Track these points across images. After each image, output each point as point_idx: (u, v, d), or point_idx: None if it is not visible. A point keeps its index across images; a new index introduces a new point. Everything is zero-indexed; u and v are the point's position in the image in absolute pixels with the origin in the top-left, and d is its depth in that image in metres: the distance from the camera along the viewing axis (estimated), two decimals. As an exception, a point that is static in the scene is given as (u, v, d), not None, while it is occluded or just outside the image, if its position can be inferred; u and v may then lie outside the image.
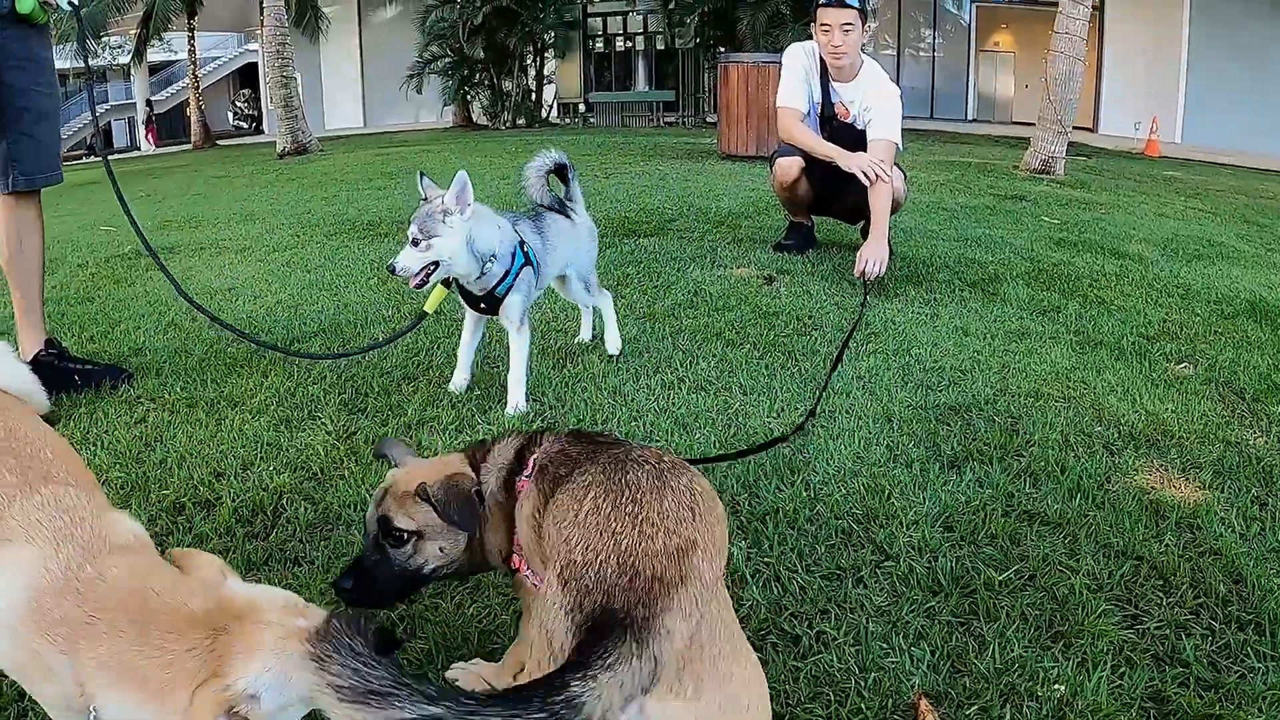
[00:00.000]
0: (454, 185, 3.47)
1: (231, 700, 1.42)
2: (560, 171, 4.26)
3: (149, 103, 46.12)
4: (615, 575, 1.47)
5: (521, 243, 3.77)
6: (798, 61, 6.04)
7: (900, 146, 5.86)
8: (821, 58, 5.91)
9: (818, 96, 6.01)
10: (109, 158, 5.01)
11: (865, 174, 5.53)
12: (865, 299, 5.05)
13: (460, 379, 3.93)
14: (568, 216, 4.22)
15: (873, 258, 5.32)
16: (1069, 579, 2.48)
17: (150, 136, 45.41)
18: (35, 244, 4.13)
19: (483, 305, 3.81)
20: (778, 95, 6.23)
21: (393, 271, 3.54)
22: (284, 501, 2.98)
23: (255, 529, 2.85)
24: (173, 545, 2.59)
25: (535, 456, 1.91)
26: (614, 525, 1.56)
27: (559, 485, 1.76)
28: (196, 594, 1.53)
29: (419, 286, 3.60)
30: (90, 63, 5.71)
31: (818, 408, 3.52)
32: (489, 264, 3.62)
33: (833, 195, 6.09)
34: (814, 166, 5.99)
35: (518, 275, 3.72)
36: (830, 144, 5.83)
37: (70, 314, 5.44)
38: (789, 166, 6.12)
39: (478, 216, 3.57)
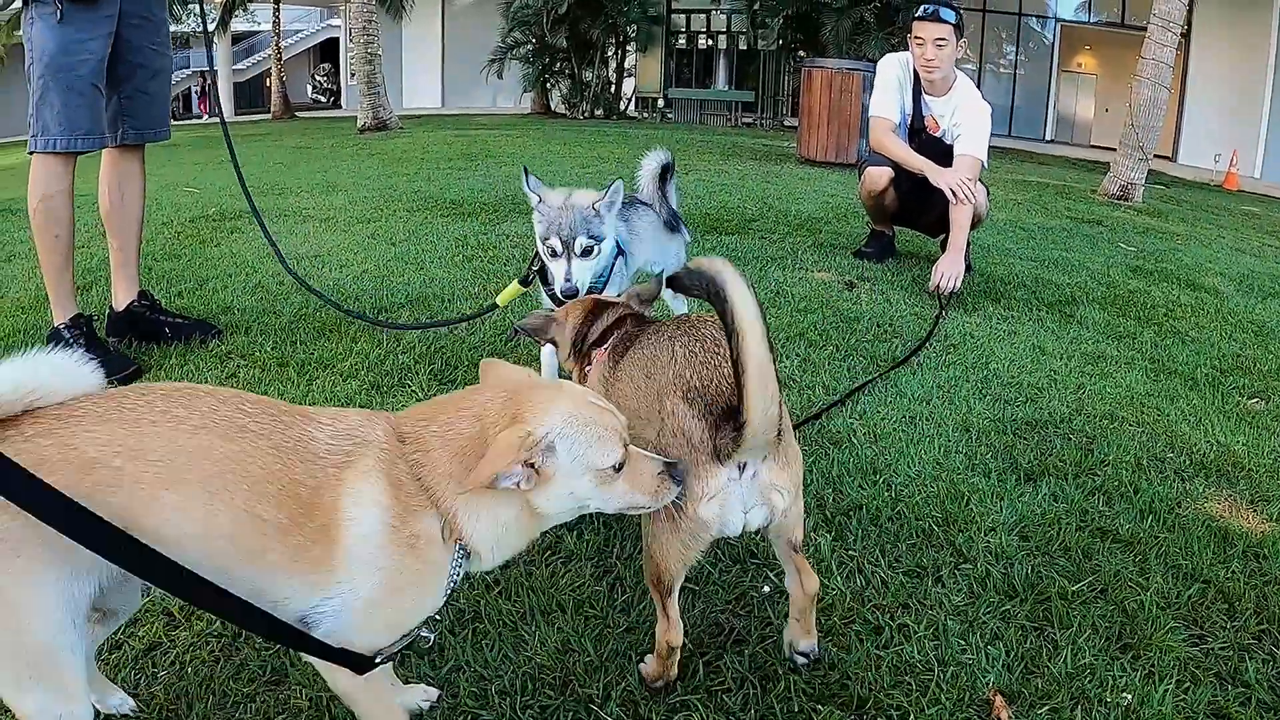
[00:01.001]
0: (611, 194, 3.28)
1: (530, 444, 1.60)
2: (663, 171, 4.14)
3: (202, 74, 46.44)
4: (723, 387, 1.94)
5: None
6: (891, 72, 6.10)
7: (985, 164, 5.91)
8: (915, 70, 5.96)
9: (909, 108, 6.07)
10: (225, 122, 5.16)
11: (954, 191, 5.60)
12: (941, 313, 5.16)
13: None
14: (662, 218, 4.14)
15: (948, 273, 5.43)
16: (1138, 595, 2.55)
17: (203, 106, 45.93)
18: (137, 197, 4.28)
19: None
20: (871, 104, 6.31)
21: (567, 296, 3.16)
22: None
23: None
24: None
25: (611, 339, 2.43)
26: (711, 360, 2.01)
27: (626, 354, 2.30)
28: (487, 392, 1.75)
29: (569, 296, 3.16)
30: (181, 29, 5.78)
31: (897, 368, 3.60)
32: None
33: (918, 207, 6.15)
34: (901, 178, 6.06)
35: (611, 268, 3.45)
36: (920, 157, 5.89)
37: (157, 269, 5.60)
38: (878, 176, 6.18)
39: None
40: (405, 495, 1.62)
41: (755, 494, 1.92)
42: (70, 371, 1.58)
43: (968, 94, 5.95)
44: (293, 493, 1.56)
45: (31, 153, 3.82)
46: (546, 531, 2.52)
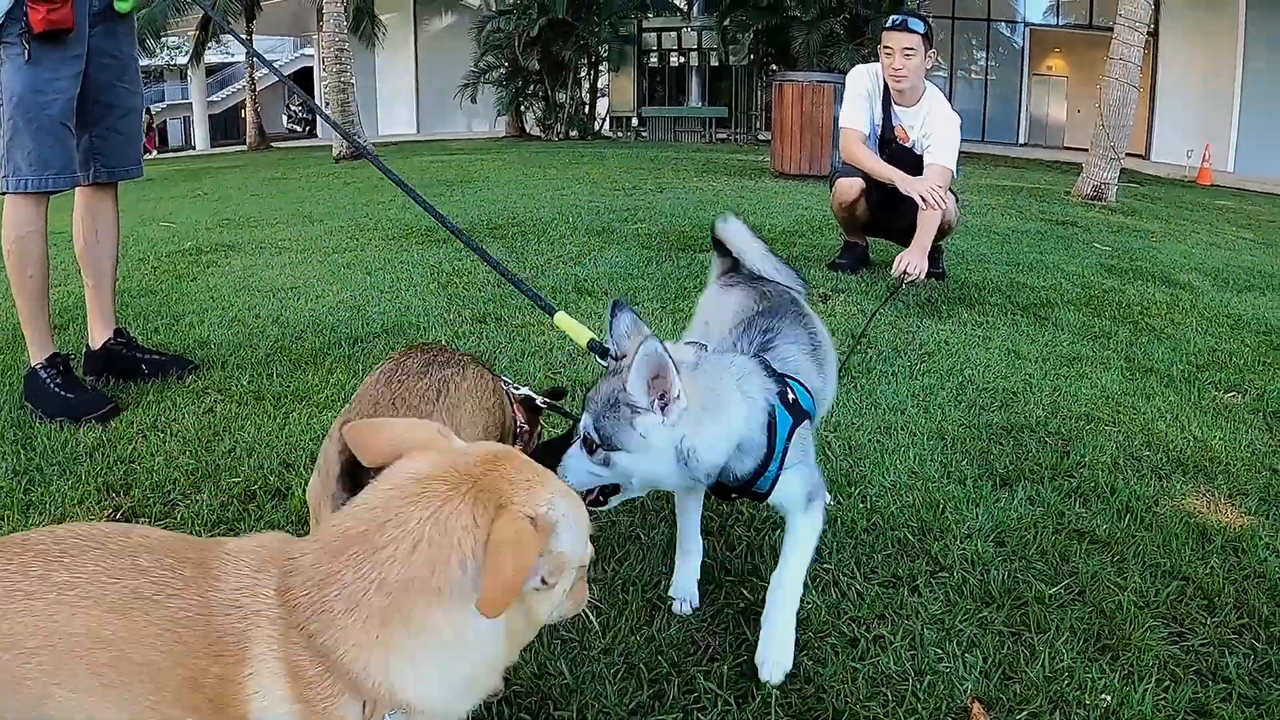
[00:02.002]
0: (638, 364, 1.95)
1: (546, 527, 1.36)
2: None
3: (148, 110, 46.12)
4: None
5: (783, 393, 2.19)
6: (861, 83, 6.14)
7: (955, 174, 5.94)
8: (884, 80, 6.00)
9: (879, 118, 6.11)
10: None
11: (924, 199, 5.66)
12: (892, 294, 5.60)
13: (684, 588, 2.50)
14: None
15: (912, 262, 5.43)
16: (1117, 595, 2.55)
17: (149, 144, 45.90)
18: (110, 235, 4.26)
19: (734, 496, 2.35)
20: (840, 115, 6.37)
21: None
22: (354, 494, 3.09)
23: (329, 519, 2.96)
24: (245, 531, 2.71)
25: None
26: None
27: None
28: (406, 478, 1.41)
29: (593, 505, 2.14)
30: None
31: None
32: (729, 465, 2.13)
33: (890, 216, 6.17)
34: (873, 188, 6.10)
35: (784, 454, 2.16)
36: (890, 167, 5.94)
37: (134, 306, 5.58)
38: (849, 187, 6.24)
39: (702, 401, 2.04)
40: (308, 687, 1.29)
41: None
42: None
43: (937, 104, 5.98)
44: (198, 684, 1.29)
45: (2, 193, 3.81)
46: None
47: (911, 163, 5.97)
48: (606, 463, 2.05)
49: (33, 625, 1.25)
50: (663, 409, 1.99)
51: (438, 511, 1.32)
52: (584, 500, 1.76)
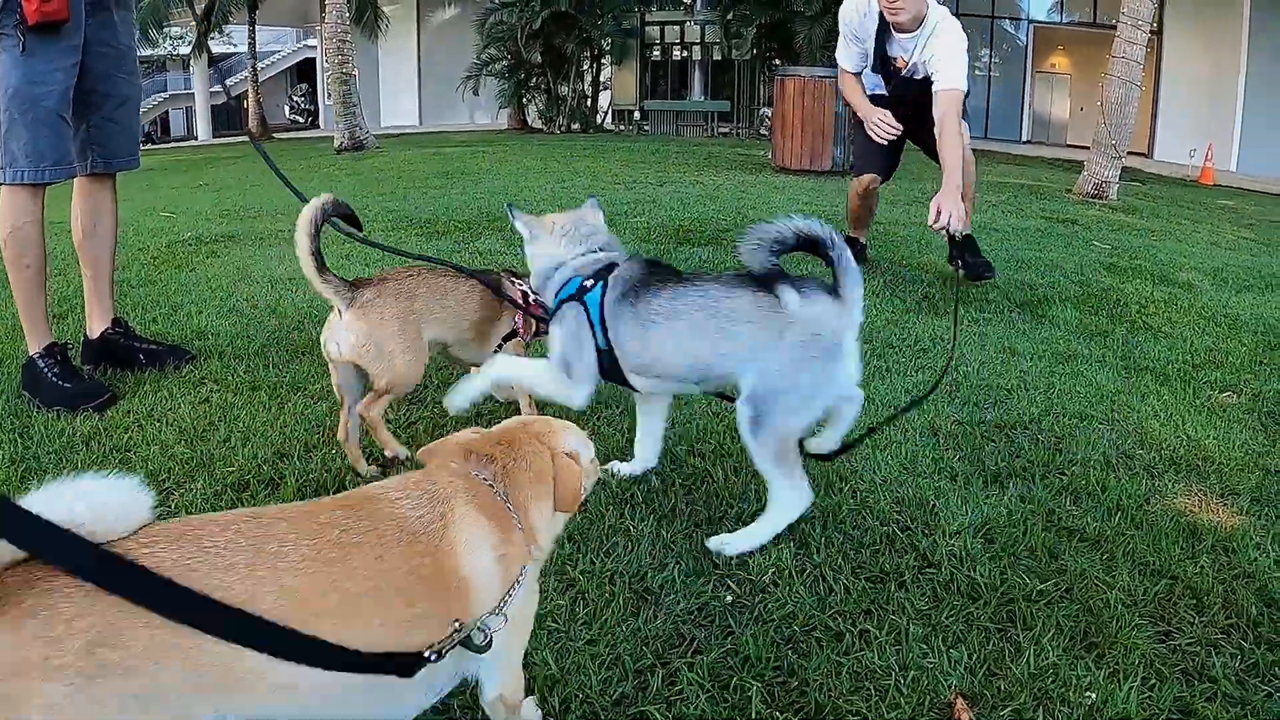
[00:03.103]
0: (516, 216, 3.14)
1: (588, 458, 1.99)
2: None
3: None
4: None
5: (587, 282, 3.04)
6: (846, 21, 6.13)
7: (967, 90, 5.73)
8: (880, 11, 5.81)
9: (871, 51, 6.04)
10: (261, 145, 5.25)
11: (876, 130, 5.97)
12: (957, 255, 5.58)
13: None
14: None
15: (946, 208, 5.10)
16: (1104, 594, 2.55)
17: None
18: (109, 225, 4.28)
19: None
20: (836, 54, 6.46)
21: None
22: (346, 483, 3.09)
23: (316, 510, 2.97)
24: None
25: None
26: None
27: None
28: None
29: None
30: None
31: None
32: None
33: (917, 125, 6.01)
34: (898, 104, 6.07)
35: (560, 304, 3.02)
36: (861, 100, 6.18)
37: (133, 295, 5.58)
38: (867, 180, 6.32)
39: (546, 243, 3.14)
40: (499, 515, 1.76)
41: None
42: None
43: (940, 24, 5.77)
44: (418, 576, 1.59)
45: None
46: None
47: (917, 89, 5.85)
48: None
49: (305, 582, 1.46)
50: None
51: (537, 449, 1.88)
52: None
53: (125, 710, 1.29)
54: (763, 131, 26.13)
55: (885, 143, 6.00)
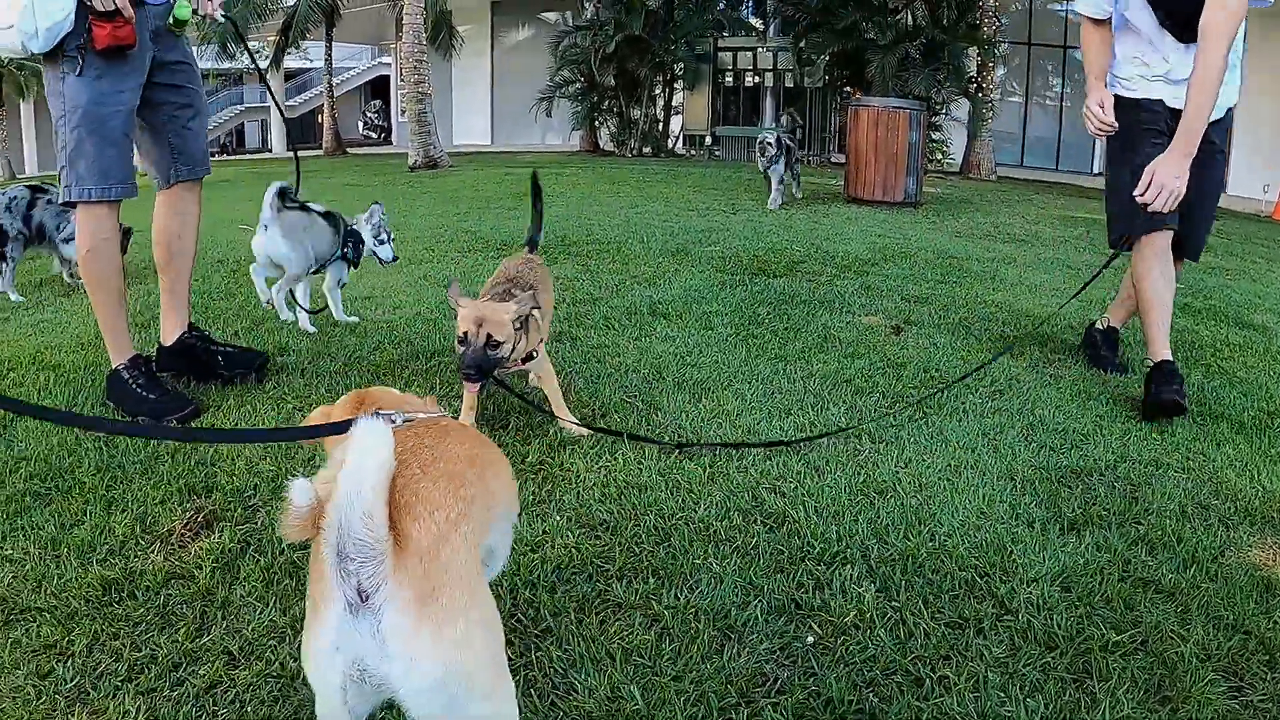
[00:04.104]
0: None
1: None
2: None
3: None
4: None
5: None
6: None
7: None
8: None
9: None
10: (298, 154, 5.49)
11: (1088, 120, 4.71)
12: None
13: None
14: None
15: (1161, 178, 4.25)
16: (1179, 647, 2.57)
17: None
18: (193, 233, 4.47)
19: None
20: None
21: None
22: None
23: (408, 530, 3.06)
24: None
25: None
26: None
27: None
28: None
29: None
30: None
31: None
32: None
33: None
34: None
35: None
36: (1096, 70, 4.80)
37: (214, 309, 5.77)
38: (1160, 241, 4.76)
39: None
40: None
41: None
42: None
43: None
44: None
45: (69, 203, 4.00)
46: (597, 581, 2.63)
47: (1190, 12, 4.32)
48: None
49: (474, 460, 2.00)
50: None
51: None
52: None
53: None
54: (834, 160, 26.11)
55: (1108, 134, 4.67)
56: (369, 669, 1.55)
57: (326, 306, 5.46)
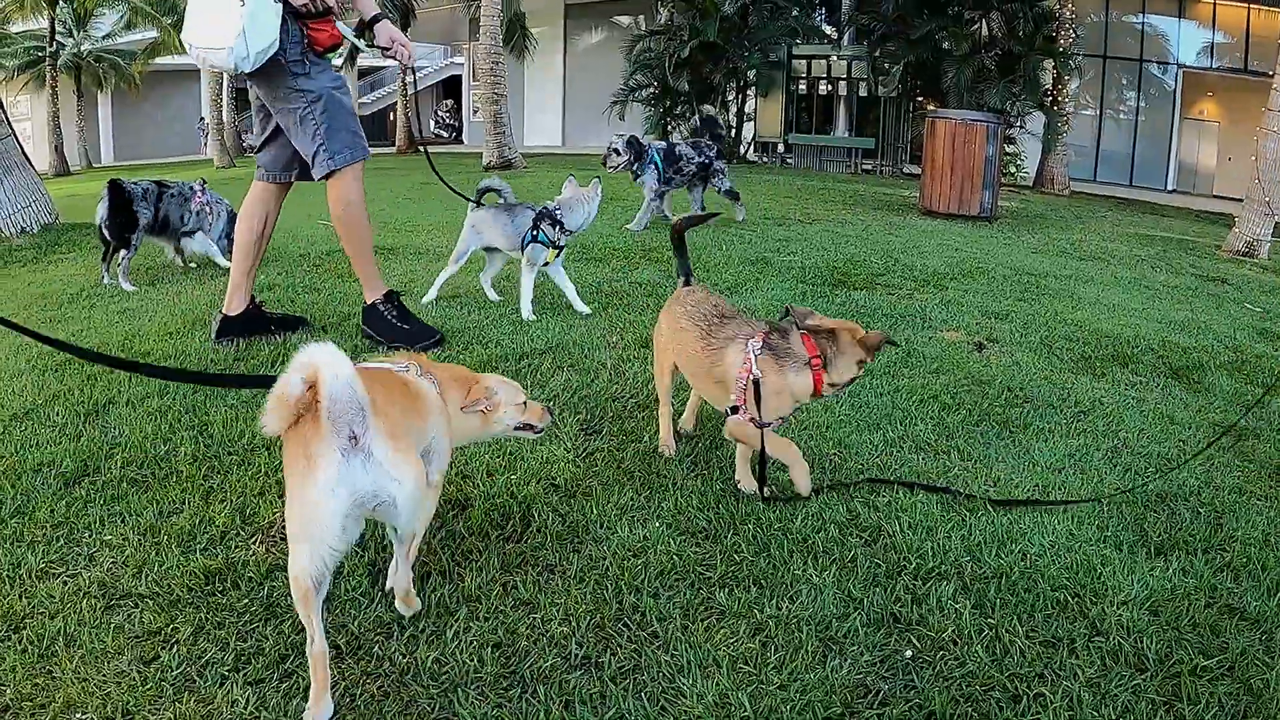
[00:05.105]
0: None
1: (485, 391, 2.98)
2: None
3: (201, 118, 45.09)
4: None
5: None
6: None
7: None
8: None
9: None
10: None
11: None
12: None
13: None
14: None
15: None
16: (1264, 674, 2.62)
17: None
18: (273, 224, 5.17)
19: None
20: None
21: None
22: (532, 511, 3.30)
23: (507, 533, 3.18)
24: (433, 543, 2.97)
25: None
26: None
27: None
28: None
29: None
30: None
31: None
32: None
33: None
34: None
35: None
36: None
37: (301, 301, 6.00)
38: None
39: None
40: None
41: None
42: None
43: None
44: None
45: (330, 173, 4.83)
46: (699, 588, 2.77)
47: None
48: None
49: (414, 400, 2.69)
50: None
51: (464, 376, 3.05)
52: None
53: None
54: (907, 171, 26.01)
55: None
56: (370, 492, 2.26)
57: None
